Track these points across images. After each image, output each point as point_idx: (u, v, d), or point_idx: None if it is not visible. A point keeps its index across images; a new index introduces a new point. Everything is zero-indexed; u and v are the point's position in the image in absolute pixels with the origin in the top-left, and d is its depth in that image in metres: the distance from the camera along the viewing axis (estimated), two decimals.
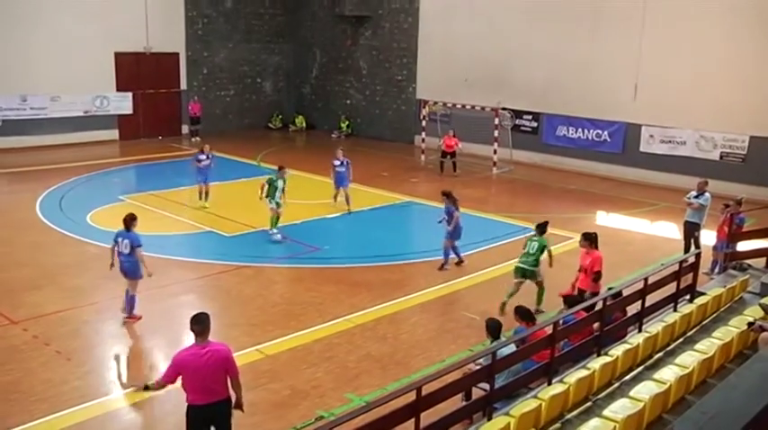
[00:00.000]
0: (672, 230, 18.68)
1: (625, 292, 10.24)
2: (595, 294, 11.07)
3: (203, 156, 19.85)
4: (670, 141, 24.49)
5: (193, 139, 30.79)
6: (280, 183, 16.77)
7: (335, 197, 19.36)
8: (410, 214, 20.44)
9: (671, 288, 11.13)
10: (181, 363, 7.11)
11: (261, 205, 20.22)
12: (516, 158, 27.28)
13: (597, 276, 11.32)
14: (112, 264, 11.58)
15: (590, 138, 26.57)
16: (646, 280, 10.26)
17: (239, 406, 7.44)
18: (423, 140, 28.51)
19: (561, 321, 8.88)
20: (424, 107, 28.66)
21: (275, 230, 16.77)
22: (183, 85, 32.48)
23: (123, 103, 30.35)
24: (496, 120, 26.22)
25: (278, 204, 16.70)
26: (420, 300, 13.39)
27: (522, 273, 12.45)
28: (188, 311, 12.36)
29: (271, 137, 34.00)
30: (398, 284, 14.20)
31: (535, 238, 12.59)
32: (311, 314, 12.46)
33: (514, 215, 19.68)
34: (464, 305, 13.14)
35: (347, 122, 34.14)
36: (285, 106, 36.28)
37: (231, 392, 7.32)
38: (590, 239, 11.57)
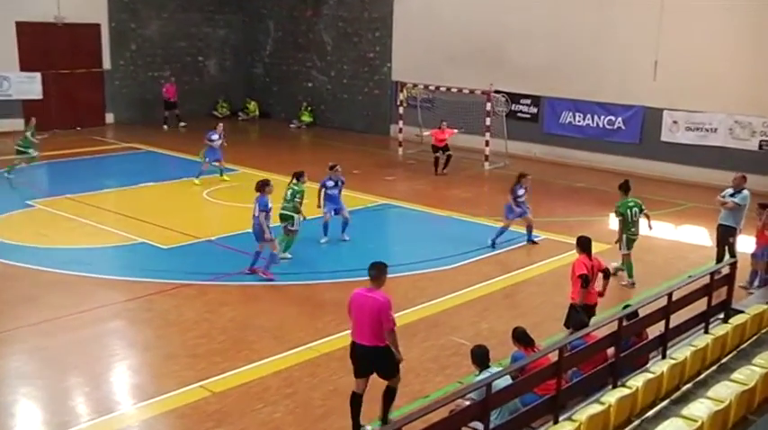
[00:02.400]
0: (701, 235, 18.89)
1: (646, 311, 10.25)
2: (589, 306, 11.17)
3: (215, 136, 22.58)
4: (698, 128, 24.80)
5: (175, 125, 31.89)
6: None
7: (326, 227, 17.69)
8: (386, 219, 20.59)
9: (701, 305, 11.16)
10: (351, 300, 9.46)
11: (204, 210, 20.37)
12: (512, 151, 27.44)
13: (584, 281, 11.36)
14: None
15: (601, 125, 26.83)
16: (670, 296, 10.27)
17: (398, 358, 9.40)
18: (400, 131, 28.77)
19: (568, 346, 8.90)
20: (402, 91, 28.86)
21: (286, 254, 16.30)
22: (107, 64, 32.15)
23: (30, 86, 29.78)
24: (488, 106, 26.35)
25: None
26: (398, 322, 13.36)
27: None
28: (114, 342, 12.43)
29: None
30: None
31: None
32: (267, 341, 12.48)
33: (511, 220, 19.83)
34: (451, 328, 13.16)
35: (309, 110, 34.21)
36: (233, 90, 36.21)
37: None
38: (579, 245, 11.64)
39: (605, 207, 19.81)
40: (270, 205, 15.03)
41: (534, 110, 28.12)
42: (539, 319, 13.17)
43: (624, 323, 9.54)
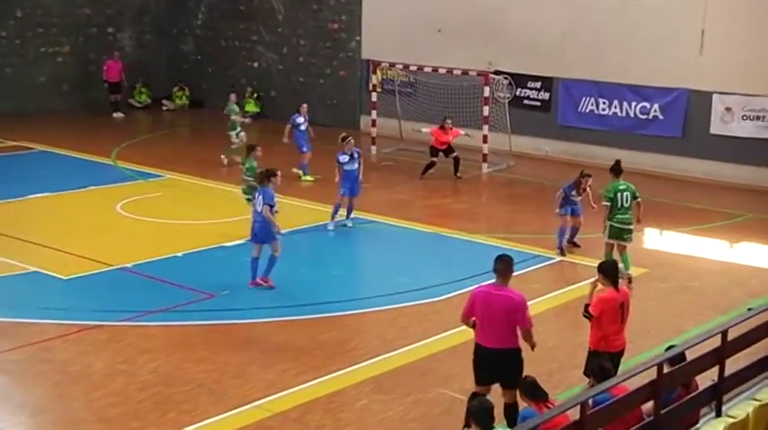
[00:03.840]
0: (763, 256, 19.10)
1: (694, 353, 10.26)
2: (613, 354, 11.20)
3: (301, 119, 24.43)
4: (758, 117, 24.99)
5: (115, 115, 32.90)
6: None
7: (337, 210, 20.42)
8: (357, 238, 20.71)
9: (764, 347, 11.22)
10: (474, 299, 10.74)
11: (118, 229, 20.30)
12: (518, 149, 27.60)
13: (588, 316, 11.52)
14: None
15: (632, 114, 27.02)
16: (724, 334, 10.26)
17: (532, 346, 10.85)
18: (373, 123, 28.75)
19: (591, 401, 8.89)
20: (375, 72, 29.01)
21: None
22: None
23: None
24: (486, 91, 26.47)
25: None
26: (373, 371, 13.47)
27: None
28: None
29: (132, 120, 33.91)
30: (339, 348, 14.35)
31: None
32: (202, 400, 12.42)
33: (516, 236, 19.88)
34: (442, 377, 13.17)
35: (255, 96, 34.24)
36: (155, 72, 36.21)
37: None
38: (601, 272, 11.72)
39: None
40: (275, 200, 16.23)
41: (545, 95, 28.30)
42: (554, 366, 13.20)
43: (666, 369, 9.53)
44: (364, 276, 18.40)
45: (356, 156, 20.29)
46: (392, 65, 29.02)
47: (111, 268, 17.56)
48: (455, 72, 27.09)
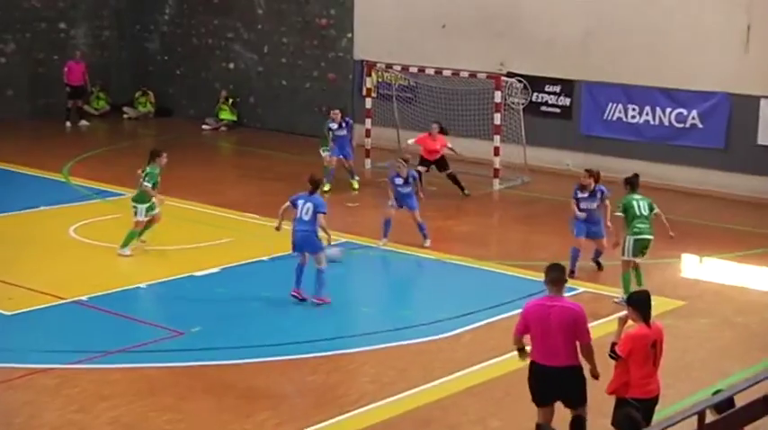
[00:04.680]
0: None
1: (744, 399, 10.24)
2: (645, 400, 11.06)
3: (335, 125, 25.58)
4: None
5: (80, 123, 33.53)
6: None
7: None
8: (347, 266, 20.56)
9: None
10: (526, 313, 11.23)
11: (71, 256, 20.37)
12: (534, 162, 27.67)
13: (614, 356, 11.31)
14: (279, 227, 17.74)
15: (666, 122, 27.04)
16: None
17: (594, 375, 11.31)
18: (367, 134, 28.89)
19: None
20: (370, 75, 29.12)
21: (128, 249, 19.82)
22: None
23: None
24: (498, 96, 26.49)
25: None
26: (367, 421, 13.37)
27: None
28: None
29: (88, 130, 33.93)
30: (327, 393, 14.33)
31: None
32: None
33: (533, 263, 19.56)
34: (448, 428, 13.16)
35: (231, 103, 34.28)
36: (115, 74, 36.29)
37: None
38: (631, 304, 11.55)
39: (671, 245, 19.40)
40: (325, 208, 17.52)
41: (566, 101, 28.29)
42: None
43: (709, 418, 9.52)
44: (357, 309, 18.33)
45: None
46: (389, 66, 29.09)
47: (64, 302, 17.48)
48: (462, 74, 27.21)
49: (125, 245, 19.91)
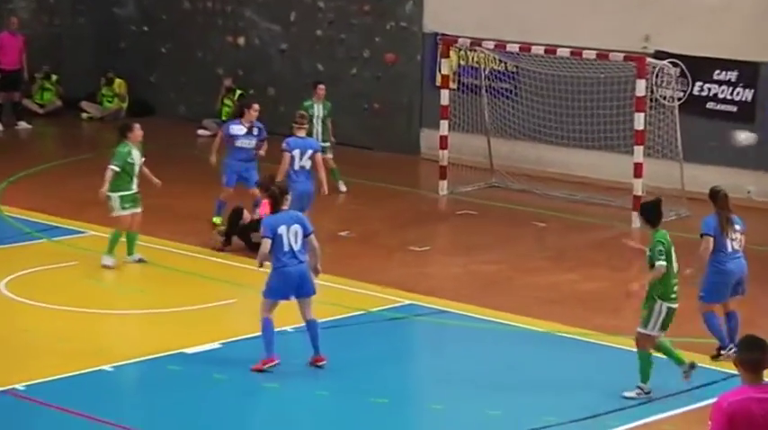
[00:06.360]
0: None
1: None
2: None
3: (238, 127, 26.52)
4: None
5: (17, 126, 34.54)
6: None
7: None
8: (411, 341, 21.53)
9: None
10: (732, 411, 10.56)
11: (2, 324, 20.77)
12: (695, 187, 27.28)
13: None
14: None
15: None
16: None
17: None
18: (443, 143, 29.10)
19: None
20: (447, 55, 28.96)
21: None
22: None
23: None
24: (641, 88, 26.43)
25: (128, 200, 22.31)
26: None
27: None
28: None
29: (30, 135, 34.64)
30: None
31: None
32: None
33: (695, 340, 19.76)
34: None
35: (237, 96, 34.45)
36: (69, 53, 37.03)
37: None
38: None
39: None
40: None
41: (745, 94, 28.23)
42: None
43: None
44: (425, 407, 18.38)
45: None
46: (477, 43, 28.55)
47: None
48: (586, 55, 26.79)
49: (108, 251, 21.96)
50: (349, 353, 19.48)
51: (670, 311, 17.26)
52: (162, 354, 18.89)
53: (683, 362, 17.28)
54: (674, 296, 17.24)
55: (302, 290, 18.02)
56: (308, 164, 24.12)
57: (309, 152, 24.32)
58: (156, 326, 20.59)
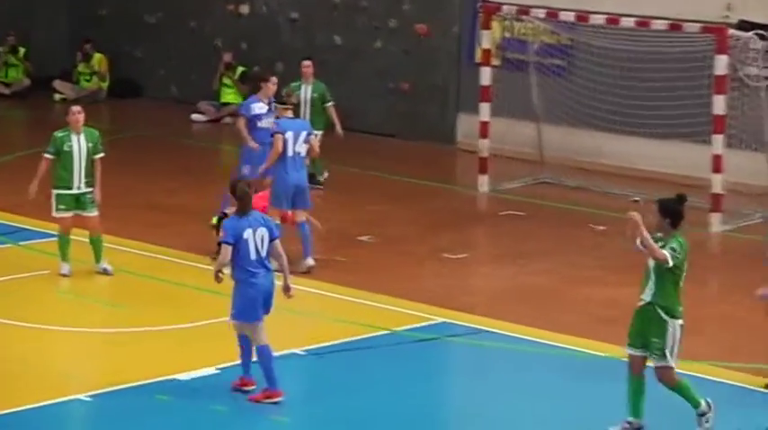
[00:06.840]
0: None
1: None
2: None
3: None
4: None
5: None
6: None
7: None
8: (445, 364, 21.39)
9: None
10: None
11: None
12: None
13: None
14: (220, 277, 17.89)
15: None
16: None
17: None
18: (484, 132, 29.14)
19: None
20: (489, 26, 28.99)
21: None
22: None
23: None
24: (721, 65, 26.31)
25: None
26: None
27: None
28: None
29: None
30: None
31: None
32: None
33: None
34: None
35: (240, 74, 34.99)
36: (39, 22, 37.25)
37: None
38: None
39: None
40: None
41: None
42: None
43: None
44: None
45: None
46: (523, 11, 28.10)
47: None
48: (655, 26, 26.50)
49: (61, 257, 22.36)
50: (368, 381, 19.43)
51: (682, 331, 16.74)
52: (149, 381, 18.58)
53: (700, 404, 16.67)
54: (681, 309, 16.65)
55: (267, 306, 17.77)
56: (303, 149, 23.69)
57: (304, 134, 23.90)
58: (142, 348, 20.24)
